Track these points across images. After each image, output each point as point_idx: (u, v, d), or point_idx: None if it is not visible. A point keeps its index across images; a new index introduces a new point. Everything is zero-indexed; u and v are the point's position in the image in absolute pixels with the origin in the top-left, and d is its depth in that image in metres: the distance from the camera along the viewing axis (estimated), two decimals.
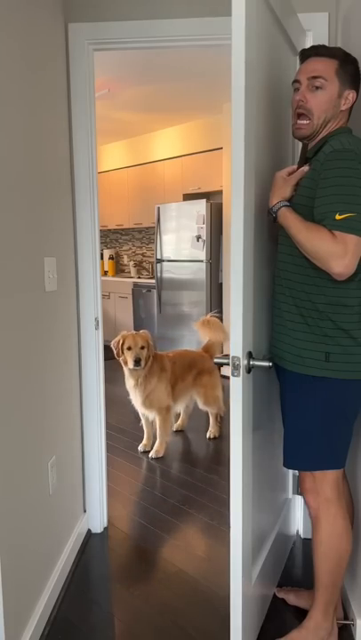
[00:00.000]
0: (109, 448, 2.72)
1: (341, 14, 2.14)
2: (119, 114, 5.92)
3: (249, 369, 1.54)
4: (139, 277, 7.35)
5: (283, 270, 1.69)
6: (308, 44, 2.15)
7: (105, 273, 7.80)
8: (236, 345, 1.49)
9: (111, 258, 8.00)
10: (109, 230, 8.07)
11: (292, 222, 1.58)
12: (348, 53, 1.67)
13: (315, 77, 1.60)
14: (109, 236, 8.26)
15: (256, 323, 1.65)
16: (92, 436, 2.56)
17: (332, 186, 1.50)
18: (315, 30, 2.17)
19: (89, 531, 2.60)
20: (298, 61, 1.75)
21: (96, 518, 2.62)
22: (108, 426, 2.70)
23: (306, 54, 1.68)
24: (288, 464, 1.77)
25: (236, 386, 1.50)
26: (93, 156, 2.42)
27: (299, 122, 1.66)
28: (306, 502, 1.80)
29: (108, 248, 8.19)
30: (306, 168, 1.64)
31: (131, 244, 8.02)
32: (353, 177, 1.49)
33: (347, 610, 1.97)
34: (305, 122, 1.65)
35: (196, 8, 2.23)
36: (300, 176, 1.64)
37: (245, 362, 1.51)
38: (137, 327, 6.81)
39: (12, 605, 1.63)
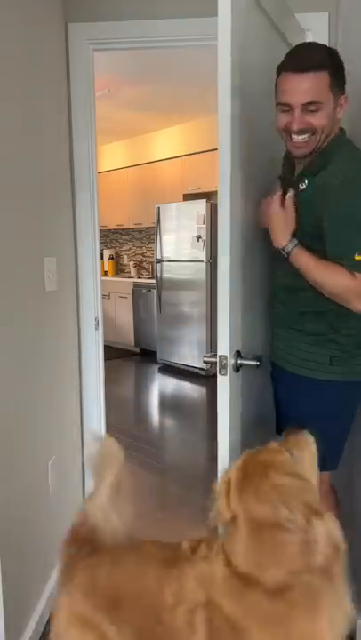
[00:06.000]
0: None
1: (341, 14, 2.14)
2: (119, 114, 5.92)
3: (237, 368, 1.54)
4: (139, 277, 7.35)
5: (285, 276, 1.64)
6: None
7: (105, 273, 7.79)
8: (223, 344, 1.49)
9: (111, 258, 8.00)
10: (109, 230, 8.07)
11: (307, 263, 1.51)
12: (334, 51, 1.50)
13: (309, 103, 1.44)
14: (109, 236, 8.26)
15: (248, 322, 1.65)
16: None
17: (348, 223, 1.45)
18: (315, 30, 2.17)
19: None
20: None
21: None
22: (108, 426, 2.69)
23: (289, 69, 1.45)
24: None
25: (224, 384, 1.50)
26: (93, 156, 2.41)
27: (298, 138, 1.48)
28: None
29: (108, 248, 8.19)
30: (297, 191, 1.54)
31: (131, 244, 8.02)
32: None
33: None
34: (305, 137, 1.48)
35: (197, 8, 2.23)
36: (293, 202, 1.55)
37: (233, 361, 1.51)
38: (137, 327, 6.83)
39: (11, 605, 1.63)
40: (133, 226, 7.52)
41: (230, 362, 1.50)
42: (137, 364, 6.52)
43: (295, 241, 1.53)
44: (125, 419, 4.26)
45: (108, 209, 7.51)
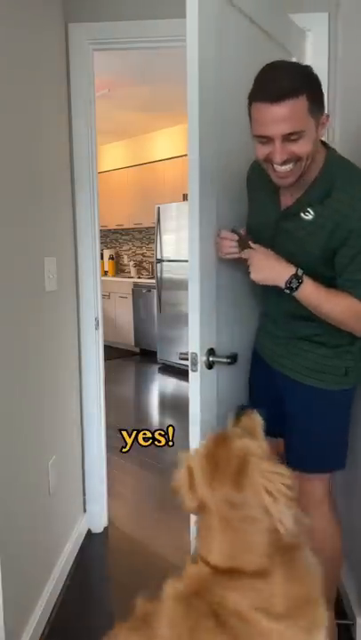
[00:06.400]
0: (109, 448, 2.72)
1: (341, 14, 2.14)
2: (119, 114, 5.92)
3: (210, 365, 1.58)
4: (139, 277, 7.35)
5: (288, 303, 1.59)
6: (308, 44, 2.15)
7: (105, 273, 7.79)
8: (193, 342, 1.55)
9: (111, 258, 8.00)
10: (109, 230, 8.07)
11: (318, 297, 1.47)
12: (308, 69, 1.37)
13: (290, 134, 1.33)
14: (109, 236, 8.26)
15: (227, 321, 1.69)
16: (91, 436, 2.56)
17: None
18: (315, 30, 2.17)
19: (89, 531, 2.60)
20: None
21: (96, 518, 2.61)
22: (108, 426, 2.70)
23: (261, 99, 1.34)
24: (306, 466, 1.70)
25: (195, 381, 1.56)
26: (93, 155, 2.42)
27: (281, 169, 1.38)
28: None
29: (108, 248, 8.19)
30: (298, 220, 1.49)
31: (131, 244, 8.02)
32: None
33: (347, 610, 1.97)
34: (289, 167, 1.38)
35: None
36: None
37: (205, 358, 1.56)
38: (137, 327, 6.83)
39: (11, 605, 1.63)
40: (133, 226, 7.51)
41: (202, 359, 1.55)
42: (137, 364, 6.52)
43: (301, 273, 1.46)
44: (125, 419, 4.26)
45: (108, 209, 7.50)
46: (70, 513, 2.38)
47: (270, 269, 1.49)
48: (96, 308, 2.51)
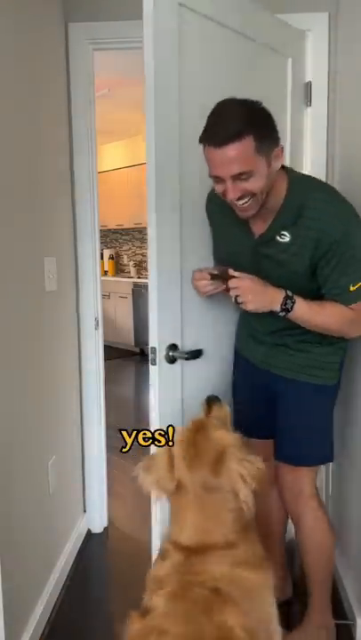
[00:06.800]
0: (109, 448, 2.72)
1: (341, 14, 2.14)
2: (119, 114, 5.92)
3: (171, 359, 1.69)
4: (139, 277, 7.34)
5: (275, 322, 1.64)
6: (308, 44, 2.15)
7: (105, 273, 7.79)
8: (153, 337, 1.68)
9: (111, 258, 8.00)
10: (109, 230, 8.07)
11: (310, 313, 1.52)
12: (253, 108, 1.37)
13: (239, 174, 1.37)
14: (109, 236, 8.26)
15: (197, 321, 1.78)
16: (92, 436, 2.56)
17: (348, 268, 1.48)
18: (315, 30, 2.17)
19: (89, 531, 2.60)
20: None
21: (96, 518, 2.61)
22: (108, 426, 2.70)
23: (208, 143, 1.37)
24: (302, 461, 1.75)
25: (153, 373, 1.70)
26: (93, 155, 2.41)
27: (239, 203, 1.43)
28: (286, 504, 1.82)
29: (108, 248, 8.19)
30: (274, 244, 1.53)
31: (131, 243, 8.02)
32: (358, 248, 1.47)
33: (347, 610, 1.97)
34: (245, 202, 1.42)
35: None
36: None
37: (164, 353, 1.68)
38: (137, 327, 6.82)
39: (11, 605, 1.63)
40: (133, 226, 7.51)
41: (161, 354, 1.67)
42: (137, 364, 6.51)
43: (290, 295, 1.50)
44: (125, 419, 4.26)
45: (108, 209, 7.50)
46: (70, 513, 2.38)
47: (263, 295, 1.51)
48: (96, 308, 2.51)
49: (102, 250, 7.83)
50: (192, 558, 1.24)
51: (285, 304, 1.49)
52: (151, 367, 1.69)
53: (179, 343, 1.72)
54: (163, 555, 1.32)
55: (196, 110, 1.53)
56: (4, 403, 1.63)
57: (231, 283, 1.51)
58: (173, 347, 1.69)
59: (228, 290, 1.55)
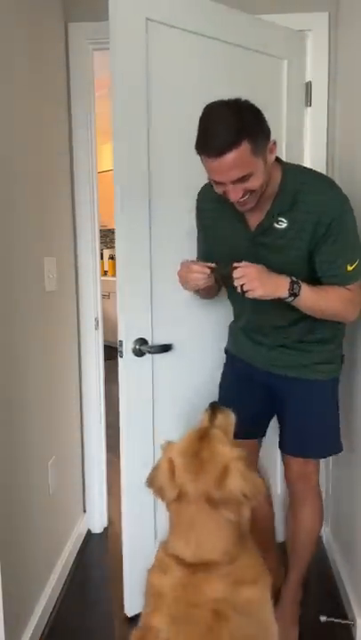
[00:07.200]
0: (109, 448, 2.71)
1: (341, 14, 2.14)
2: None
3: (138, 352, 1.82)
4: None
5: (275, 317, 1.66)
6: (308, 44, 2.16)
7: (105, 273, 7.79)
8: (121, 331, 1.84)
9: (111, 258, 7.99)
10: (109, 230, 8.06)
11: (313, 295, 1.52)
12: (242, 110, 1.36)
13: (239, 179, 1.39)
14: (109, 236, 8.25)
15: (164, 314, 1.88)
16: (92, 436, 2.56)
17: (344, 250, 1.52)
18: (315, 30, 2.17)
19: (89, 531, 2.60)
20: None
21: (96, 518, 2.61)
22: (108, 426, 2.69)
23: (205, 154, 1.39)
24: (315, 454, 1.80)
25: (121, 365, 1.85)
26: (93, 155, 2.41)
27: (240, 199, 1.45)
28: (293, 489, 1.85)
29: (108, 248, 8.19)
30: (272, 230, 1.54)
31: None
32: (352, 229, 1.53)
33: (347, 610, 1.97)
34: (245, 198, 1.44)
35: None
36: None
37: (131, 346, 1.82)
38: None
39: (11, 605, 1.63)
40: None
41: (128, 347, 1.82)
42: None
43: (295, 279, 1.49)
44: None
45: (108, 209, 7.49)
46: (70, 513, 2.38)
47: (269, 280, 1.48)
48: (96, 308, 2.51)
49: (102, 250, 7.84)
50: (194, 576, 1.23)
51: (293, 288, 1.48)
52: (120, 360, 1.83)
53: (149, 338, 1.84)
54: (163, 567, 1.31)
55: (171, 117, 1.68)
56: (4, 403, 1.63)
57: (236, 273, 1.49)
58: (142, 341, 1.83)
59: (225, 283, 1.57)
